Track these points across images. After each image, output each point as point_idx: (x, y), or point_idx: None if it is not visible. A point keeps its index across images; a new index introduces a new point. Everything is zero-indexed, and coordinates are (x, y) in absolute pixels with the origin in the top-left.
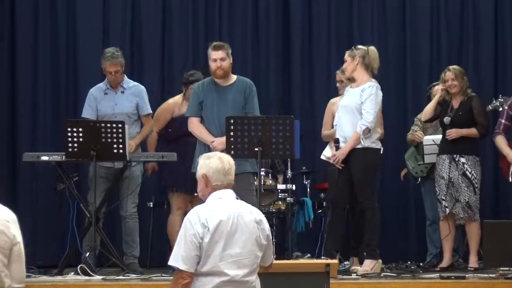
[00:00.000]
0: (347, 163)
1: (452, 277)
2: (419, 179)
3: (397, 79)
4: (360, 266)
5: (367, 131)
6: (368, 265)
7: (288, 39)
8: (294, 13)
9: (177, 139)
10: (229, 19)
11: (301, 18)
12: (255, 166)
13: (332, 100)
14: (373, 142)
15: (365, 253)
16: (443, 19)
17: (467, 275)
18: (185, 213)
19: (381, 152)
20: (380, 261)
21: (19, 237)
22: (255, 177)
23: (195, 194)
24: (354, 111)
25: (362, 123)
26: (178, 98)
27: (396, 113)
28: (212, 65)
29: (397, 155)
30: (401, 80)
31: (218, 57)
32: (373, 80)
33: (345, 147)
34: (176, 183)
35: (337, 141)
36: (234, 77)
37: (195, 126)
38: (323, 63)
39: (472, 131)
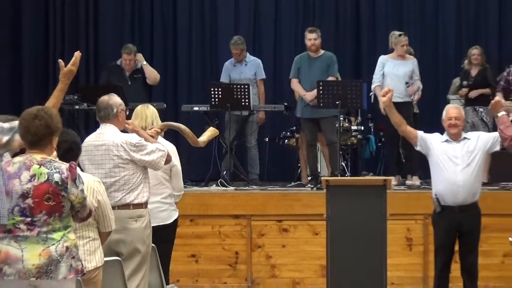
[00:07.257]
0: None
1: None
2: None
3: None
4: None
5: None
6: (412, 179)
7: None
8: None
9: None
10: (321, 5)
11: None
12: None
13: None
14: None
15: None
16: None
17: None
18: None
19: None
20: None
21: (175, 161)
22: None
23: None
24: None
25: None
26: None
27: None
28: (308, 43)
29: None
30: None
31: (312, 38)
32: None
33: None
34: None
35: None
36: (322, 51)
37: (295, 85)
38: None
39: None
